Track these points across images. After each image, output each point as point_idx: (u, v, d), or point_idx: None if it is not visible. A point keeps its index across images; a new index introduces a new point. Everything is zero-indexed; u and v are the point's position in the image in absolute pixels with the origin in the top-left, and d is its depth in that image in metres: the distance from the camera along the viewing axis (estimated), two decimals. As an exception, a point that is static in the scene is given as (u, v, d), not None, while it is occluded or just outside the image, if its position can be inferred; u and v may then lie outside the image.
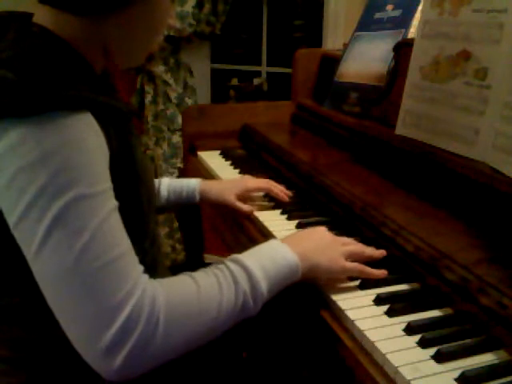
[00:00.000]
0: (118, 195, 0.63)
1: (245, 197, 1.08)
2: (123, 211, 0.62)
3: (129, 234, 0.62)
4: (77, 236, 0.56)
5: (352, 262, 0.77)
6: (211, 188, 1.08)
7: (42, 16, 0.66)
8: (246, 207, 1.05)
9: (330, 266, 0.75)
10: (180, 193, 1.06)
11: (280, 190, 1.07)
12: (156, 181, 1.05)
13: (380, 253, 0.81)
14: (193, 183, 1.07)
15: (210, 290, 0.63)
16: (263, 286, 0.67)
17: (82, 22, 0.66)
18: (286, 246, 0.73)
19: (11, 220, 0.58)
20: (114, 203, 0.61)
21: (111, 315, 0.56)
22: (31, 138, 0.56)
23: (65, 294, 0.57)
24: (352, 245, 0.80)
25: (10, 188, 0.57)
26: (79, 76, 0.64)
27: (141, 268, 0.61)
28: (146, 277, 0.61)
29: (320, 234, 0.80)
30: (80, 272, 0.56)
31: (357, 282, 0.77)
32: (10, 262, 0.65)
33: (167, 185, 1.06)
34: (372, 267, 0.77)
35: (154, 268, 0.77)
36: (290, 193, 1.09)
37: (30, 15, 0.68)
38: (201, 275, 0.65)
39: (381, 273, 0.77)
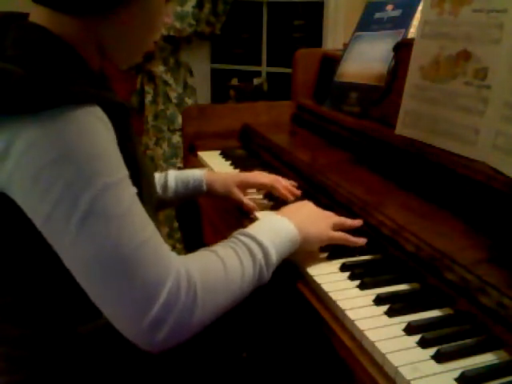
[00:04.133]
0: None
1: (243, 189, 1.07)
2: None
3: None
4: (110, 223, 0.58)
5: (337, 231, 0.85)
6: (216, 179, 1.07)
7: (38, 16, 0.67)
8: (250, 204, 1.04)
9: (320, 235, 0.83)
10: (187, 183, 1.06)
11: (284, 187, 1.05)
12: (162, 175, 1.07)
13: (357, 222, 0.89)
14: (198, 173, 1.07)
15: (233, 262, 0.68)
16: (273, 256, 0.73)
17: (76, 22, 0.66)
18: (285, 219, 0.79)
19: (39, 216, 0.59)
20: (133, 188, 0.63)
21: (154, 292, 0.59)
22: (49, 134, 0.57)
23: (106, 278, 0.59)
24: (335, 217, 0.88)
25: (36, 185, 0.58)
26: (80, 73, 0.65)
27: (168, 246, 0.64)
28: (174, 254, 0.64)
29: (308, 208, 0.88)
30: (120, 255, 0.58)
31: (357, 282, 0.77)
32: (3, 262, 0.66)
33: (174, 176, 1.06)
34: (373, 266, 0.79)
35: None
36: (296, 186, 1.07)
37: (26, 15, 0.69)
38: (220, 249, 0.70)
39: (361, 241, 0.85)
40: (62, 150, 0.57)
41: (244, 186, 1.07)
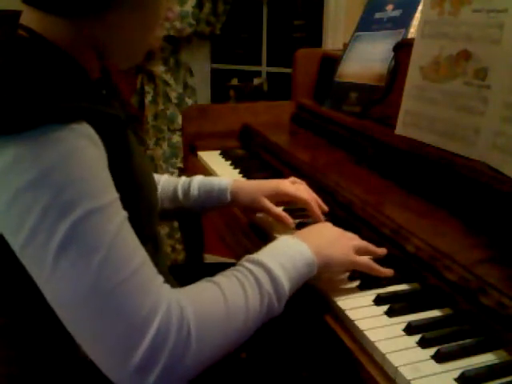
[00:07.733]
0: None
1: (275, 199, 0.98)
2: None
3: None
4: (91, 254, 0.53)
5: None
6: (242, 188, 0.99)
7: (30, 18, 0.63)
8: (285, 216, 0.94)
9: (343, 259, 0.75)
10: (211, 192, 0.99)
11: (319, 210, 0.96)
12: (187, 180, 1.01)
13: (381, 250, 0.81)
14: (224, 182, 0.99)
15: (236, 295, 0.62)
16: (285, 285, 0.66)
17: (69, 23, 0.63)
18: (301, 242, 0.72)
19: (16, 244, 0.54)
20: (123, 213, 0.58)
21: (139, 333, 0.53)
22: (27, 155, 0.53)
23: (85, 316, 0.54)
24: (358, 240, 0.81)
25: (12, 210, 0.53)
26: (72, 83, 0.60)
27: (161, 278, 0.59)
28: (167, 287, 0.58)
29: (328, 230, 0.80)
30: (100, 292, 0.53)
31: (357, 283, 0.77)
32: None
33: (198, 183, 1.00)
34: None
35: None
36: (327, 212, 0.98)
37: (18, 15, 0.65)
38: (223, 280, 0.63)
39: (388, 271, 0.77)
40: (40, 171, 0.53)
41: (278, 197, 0.97)
